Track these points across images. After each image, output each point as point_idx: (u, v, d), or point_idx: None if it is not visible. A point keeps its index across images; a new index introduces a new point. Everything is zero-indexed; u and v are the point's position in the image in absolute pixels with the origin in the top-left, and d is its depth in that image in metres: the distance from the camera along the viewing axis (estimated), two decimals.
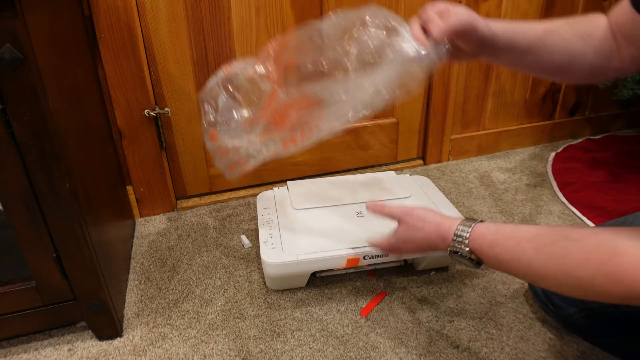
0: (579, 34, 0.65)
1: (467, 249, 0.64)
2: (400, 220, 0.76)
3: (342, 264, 0.86)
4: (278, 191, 1.05)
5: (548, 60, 0.66)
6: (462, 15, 0.61)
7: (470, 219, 0.66)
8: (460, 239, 0.65)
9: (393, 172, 1.11)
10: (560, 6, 1.32)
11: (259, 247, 1.06)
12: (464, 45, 0.65)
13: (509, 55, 0.67)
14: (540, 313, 0.87)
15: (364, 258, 0.86)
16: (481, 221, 0.65)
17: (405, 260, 0.98)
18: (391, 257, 0.89)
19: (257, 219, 1.16)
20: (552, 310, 0.82)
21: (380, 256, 0.87)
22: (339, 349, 0.81)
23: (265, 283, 0.96)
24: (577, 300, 0.77)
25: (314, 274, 0.95)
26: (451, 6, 0.62)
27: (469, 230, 0.64)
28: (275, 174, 1.29)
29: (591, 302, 0.75)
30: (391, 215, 0.78)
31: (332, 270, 0.93)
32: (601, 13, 0.66)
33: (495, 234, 0.62)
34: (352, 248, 0.86)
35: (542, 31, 0.66)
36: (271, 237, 0.90)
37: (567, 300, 0.79)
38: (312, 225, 0.92)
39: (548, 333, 0.84)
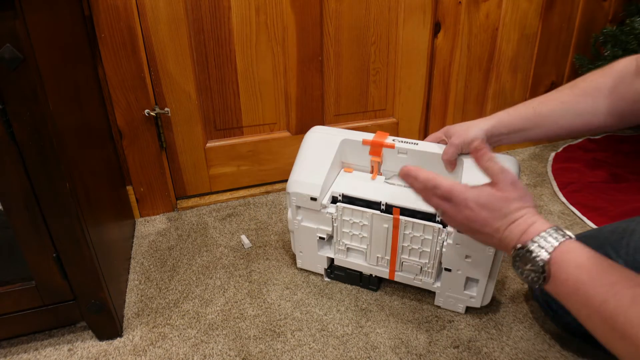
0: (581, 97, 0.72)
1: (547, 257, 0.53)
2: (494, 180, 0.60)
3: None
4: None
5: (569, 129, 0.74)
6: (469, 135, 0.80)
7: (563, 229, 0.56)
8: (545, 242, 0.53)
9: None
10: (561, 6, 1.32)
11: (259, 246, 1.06)
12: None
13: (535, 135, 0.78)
14: (540, 313, 0.87)
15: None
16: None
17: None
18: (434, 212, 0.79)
19: (257, 219, 1.17)
20: (551, 315, 0.82)
21: None
22: (339, 349, 0.81)
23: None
24: None
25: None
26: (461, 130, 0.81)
27: (562, 239, 0.53)
28: (275, 173, 1.29)
29: None
30: (487, 170, 0.61)
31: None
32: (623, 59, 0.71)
33: (591, 258, 0.51)
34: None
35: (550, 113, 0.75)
36: None
37: (565, 308, 0.78)
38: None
39: (548, 333, 0.84)
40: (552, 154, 1.44)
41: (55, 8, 0.75)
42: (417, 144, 0.88)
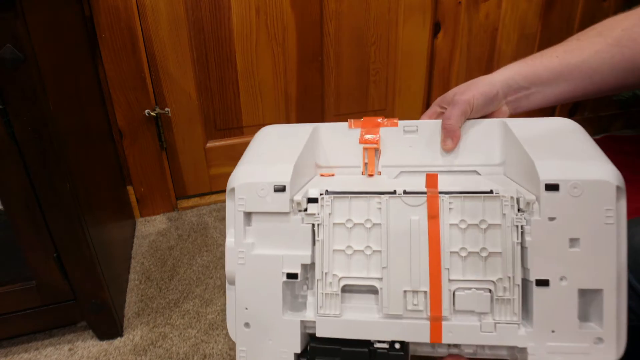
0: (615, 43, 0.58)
1: None
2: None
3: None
4: None
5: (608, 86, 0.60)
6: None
7: None
8: None
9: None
10: (560, 6, 1.32)
11: None
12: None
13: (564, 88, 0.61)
14: None
15: None
16: None
17: None
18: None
19: None
20: None
21: None
22: None
23: None
24: None
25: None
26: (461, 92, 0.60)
27: None
28: None
29: None
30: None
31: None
32: (609, 14, 0.62)
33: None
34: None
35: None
36: None
37: None
38: None
39: None
40: None
41: (56, 8, 0.76)
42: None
